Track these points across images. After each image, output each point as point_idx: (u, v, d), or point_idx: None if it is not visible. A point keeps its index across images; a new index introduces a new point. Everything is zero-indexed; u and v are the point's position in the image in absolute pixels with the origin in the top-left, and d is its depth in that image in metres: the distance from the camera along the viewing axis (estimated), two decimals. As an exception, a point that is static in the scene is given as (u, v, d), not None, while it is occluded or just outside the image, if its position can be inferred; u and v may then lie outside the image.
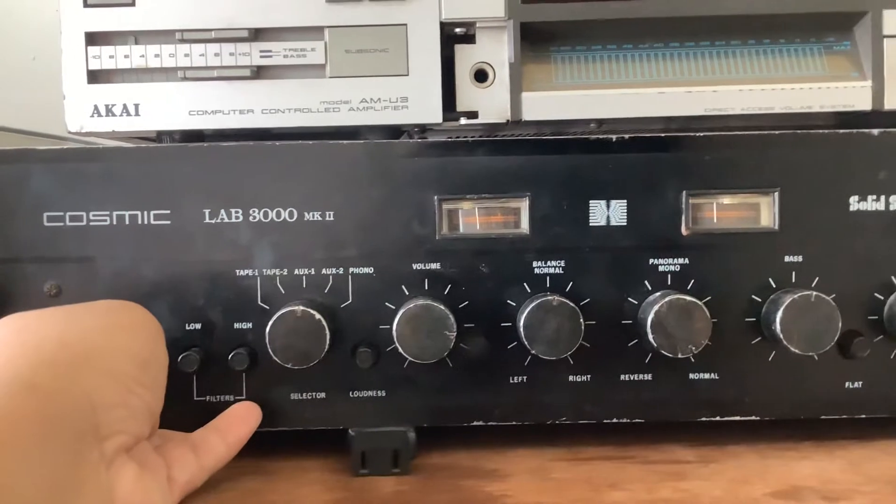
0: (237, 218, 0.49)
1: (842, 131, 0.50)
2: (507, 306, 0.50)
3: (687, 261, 0.50)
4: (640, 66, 0.53)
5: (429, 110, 0.52)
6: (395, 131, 0.54)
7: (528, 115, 0.53)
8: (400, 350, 0.48)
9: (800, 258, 0.50)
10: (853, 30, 0.54)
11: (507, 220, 0.50)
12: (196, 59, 0.52)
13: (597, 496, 0.46)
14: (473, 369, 0.50)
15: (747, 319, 0.50)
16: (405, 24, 0.52)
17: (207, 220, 0.49)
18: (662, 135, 0.51)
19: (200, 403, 0.50)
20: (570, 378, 0.51)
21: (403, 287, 0.50)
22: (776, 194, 0.50)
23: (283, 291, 0.50)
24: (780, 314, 0.48)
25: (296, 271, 0.50)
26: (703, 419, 0.51)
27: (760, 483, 0.47)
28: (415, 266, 0.50)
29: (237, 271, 0.50)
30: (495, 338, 0.50)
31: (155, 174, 0.49)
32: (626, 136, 0.50)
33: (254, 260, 0.50)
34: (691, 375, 0.51)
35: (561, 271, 0.50)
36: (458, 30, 0.53)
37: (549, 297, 0.48)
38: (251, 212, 0.49)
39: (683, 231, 0.50)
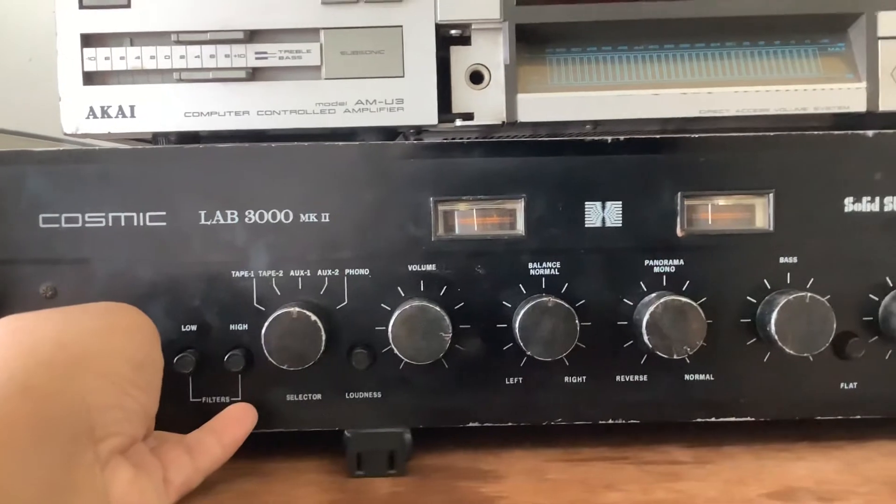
0: (233, 219, 0.49)
1: (836, 133, 0.50)
2: (503, 307, 0.50)
3: (682, 262, 0.50)
4: (636, 67, 0.53)
5: (424, 112, 0.52)
6: (390, 133, 0.54)
7: (523, 116, 0.53)
8: (396, 351, 0.48)
9: (795, 259, 0.50)
10: (848, 31, 0.54)
11: (503, 221, 0.50)
12: (191, 60, 0.52)
13: (592, 497, 0.46)
14: (469, 370, 0.50)
15: (742, 320, 0.50)
16: (401, 26, 0.52)
17: (203, 222, 0.49)
18: (658, 136, 0.51)
19: (196, 405, 0.50)
20: (566, 379, 0.51)
21: (399, 288, 0.50)
22: (771, 195, 0.50)
23: (279, 293, 0.50)
24: (775, 315, 0.48)
25: (291, 273, 0.50)
26: (699, 420, 0.51)
27: (756, 484, 0.47)
28: (410, 267, 0.50)
29: (233, 273, 0.50)
30: (491, 339, 0.50)
31: (150, 176, 0.49)
32: (622, 137, 0.50)
33: (249, 261, 0.50)
34: (687, 376, 0.51)
35: (556, 272, 0.50)
36: (453, 31, 0.53)
37: (545, 299, 0.48)
38: (247, 213, 0.49)
39: (679, 232, 0.50)
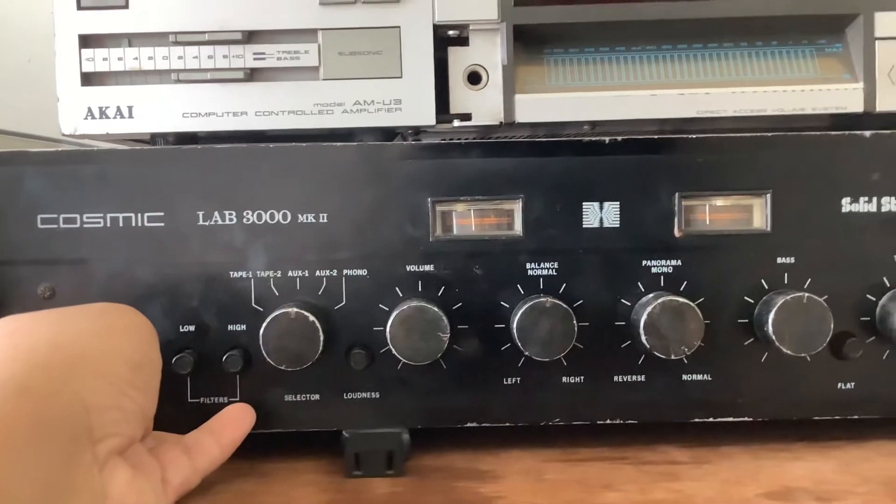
0: (231, 220, 0.49)
1: (834, 133, 0.50)
2: (501, 308, 0.50)
3: (680, 262, 0.50)
4: (633, 68, 0.53)
5: (422, 112, 0.52)
6: (388, 133, 0.54)
7: (521, 117, 0.53)
8: (394, 352, 0.48)
9: (792, 260, 0.50)
10: (845, 32, 0.54)
11: (501, 221, 0.50)
12: (189, 61, 0.52)
13: (590, 497, 0.46)
14: (467, 371, 0.50)
15: (740, 321, 0.50)
16: (398, 27, 0.52)
17: (201, 223, 0.49)
18: (655, 137, 0.51)
19: (194, 405, 0.50)
20: (564, 379, 0.51)
21: (397, 289, 0.50)
22: (768, 196, 0.50)
23: (277, 293, 0.50)
24: (772, 315, 0.48)
25: (289, 273, 0.50)
26: (697, 420, 0.51)
27: (753, 484, 0.47)
28: (408, 268, 0.50)
29: (231, 273, 0.50)
30: (489, 339, 0.50)
31: (149, 176, 0.49)
32: (619, 137, 0.50)
33: (248, 262, 0.50)
34: (684, 377, 0.51)
35: (554, 273, 0.50)
36: (451, 32, 0.53)
37: (543, 299, 0.48)
38: (245, 214, 0.49)
39: (676, 233, 0.50)
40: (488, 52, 0.53)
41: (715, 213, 0.50)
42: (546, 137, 0.53)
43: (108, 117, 0.53)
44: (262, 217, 0.49)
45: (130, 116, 0.53)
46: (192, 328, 0.50)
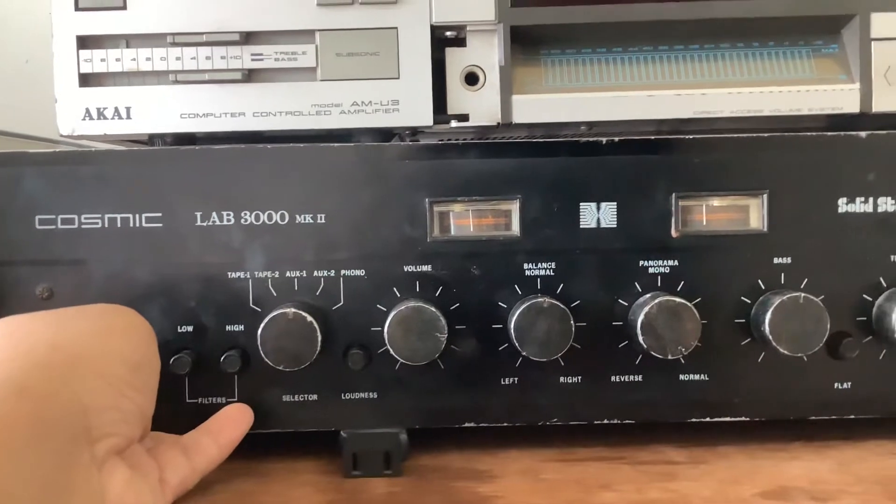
0: (229, 220, 0.49)
1: (830, 134, 0.50)
2: (498, 308, 0.50)
3: (676, 263, 0.50)
4: (630, 69, 0.54)
5: (419, 113, 0.52)
6: (386, 134, 0.54)
7: (518, 117, 0.53)
8: (391, 352, 0.48)
9: (789, 260, 0.50)
10: (841, 33, 0.54)
11: (498, 222, 0.50)
12: (187, 62, 0.52)
13: (588, 497, 0.46)
14: (465, 371, 0.51)
15: (737, 321, 0.50)
16: (396, 28, 0.52)
17: (199, 223, 0.49)
18: (652, 137, 0.51)
19: (192, 405, 0.50)
20: (561, 379, 0.51)
21: (395, 289, 0.50)
22: (765, 196, 0.50)
23: (275, 294, 0.50)
24: (769, 315, 0.48)
25: (287, 273, 0.50)
26: (693, 420, 0.52)
27: (750, 484, 0.48)
28: (406, 268, 0.50)
29: (229, 274, 0.50)
30: (486, 339, 0.50)
31: (146, 177, 0.49)
32: (616, 138, 0.50)
33: (245, 262, 0.50)
34: (681, 377, 0.51)
35: (552, 273, 0.50)
36: (448, 33, 0.53)
37: (540, 299, 0.48)
38: (243, 214, 0.50)
39: (673, 233, 0.50)
40: (485, 52, 0.53)
41: (712, 213, 0.50)
42: (543, 138, 0.53)
43: (105, 118, 0.53)
44: (259, 218, 0.50)
45: (128, 117, 0.53)
46: (190, 328, 0.50)
